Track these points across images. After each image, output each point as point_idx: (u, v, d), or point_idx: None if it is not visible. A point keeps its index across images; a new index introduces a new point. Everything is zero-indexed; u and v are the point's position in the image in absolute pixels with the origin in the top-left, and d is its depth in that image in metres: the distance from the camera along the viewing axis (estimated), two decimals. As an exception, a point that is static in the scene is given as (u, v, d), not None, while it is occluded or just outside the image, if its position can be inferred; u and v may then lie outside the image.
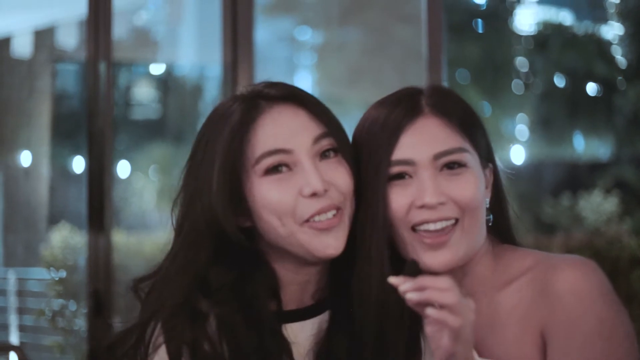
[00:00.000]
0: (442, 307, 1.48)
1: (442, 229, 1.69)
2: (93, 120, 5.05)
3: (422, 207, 1.69)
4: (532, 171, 8.72)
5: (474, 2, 9.78)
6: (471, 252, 1.72)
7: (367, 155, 1.72)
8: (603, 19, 9.28)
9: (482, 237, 1.74)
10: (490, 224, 1.78)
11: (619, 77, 9.11)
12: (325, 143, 1.69)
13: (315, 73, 9.70)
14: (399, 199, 1.70)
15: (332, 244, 1.67)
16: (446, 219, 1.70)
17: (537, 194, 8.35)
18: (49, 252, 7.62)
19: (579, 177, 8.86)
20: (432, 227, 1.70)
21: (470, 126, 1.73)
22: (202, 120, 1.80)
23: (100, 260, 4.90)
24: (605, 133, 9.27)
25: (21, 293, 8.00)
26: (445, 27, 4.72)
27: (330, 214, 1.67)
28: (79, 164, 8.31)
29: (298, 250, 1.68)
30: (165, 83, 8.70)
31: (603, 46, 9.19)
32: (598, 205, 7.71)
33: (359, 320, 1.70)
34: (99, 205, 4.99)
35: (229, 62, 4.77)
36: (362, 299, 1.70)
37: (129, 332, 1.69)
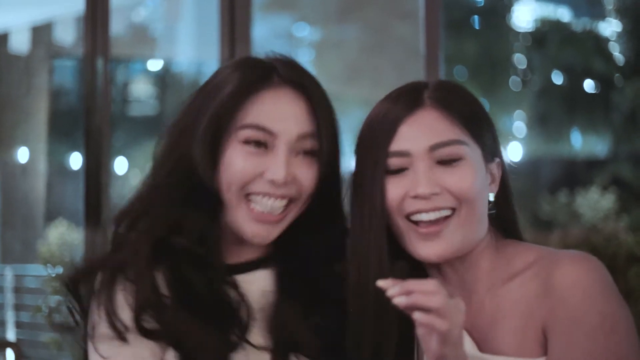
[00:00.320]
0: (428, 310, 1.48)
1: (436, 220, 1.70)
2: (90, 116, 5.05)
3: (416, 197, 1.69)
4: (529, 168, 8.72)
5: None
6: (468, 244, 1.71)
7: (368, 147, 1.73)
8: (601, 15, 9.28)
9: (482, 231, 1.73)
10: (495, 219, 1.77)
11: (617, 74, 9.11)
12: (308, 144, 1.72)
13: (313, 70, 9.67)
14: (395, 189, 1.70)
15: (262, 234, 1.71)
16: (440, 209, 1.70)
17: (534, 190, 8.35)
18: (46, 248, 7.62)
19: (576, 174, 8.86)
20: (425, 217, 1.70)
21: (472, 120, 1.73)
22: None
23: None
24: (602, 130, 9.27)
25: (18, 289, 8.00)
26: (443, 24, 4.72)
27: (278, 204, 1.70)
28: (76, 161, 8.31)
29: (234, 225, 1.72)
30: (163, 79, 8.69)
31: (601, 43, 9.18)
32: (595, 202, 7.71)
33: (355, 308, 1.72)
34: (96, 202, 4.99)
35: (227, 59, 4.76)
36: (359, 290, 1.71)
37: (93, 270, 1.73)
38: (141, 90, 8.83)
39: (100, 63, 5.04)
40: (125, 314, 1.67)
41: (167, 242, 1.71)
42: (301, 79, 1.74)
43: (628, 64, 9.11)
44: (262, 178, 1.70)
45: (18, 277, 8.05)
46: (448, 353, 1.50)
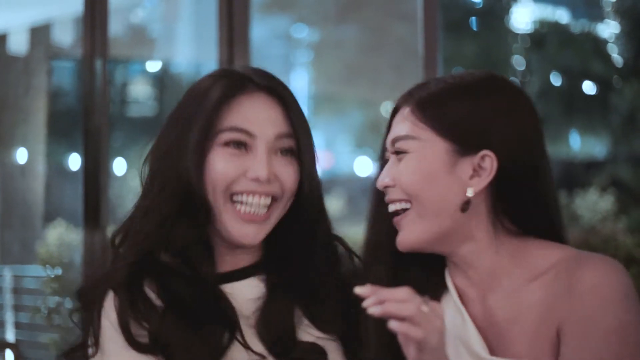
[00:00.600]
0: (402, 319, 1.48)
1: (396, 211, 1.75)
2: (89, 117, 5.05)
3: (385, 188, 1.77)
4: (528, 169, 8.71)
5: (470, 0, 9.79)
6: (433, 236, 1.72)
7: None
8: (599, 17, 9.29)
9: (442, 226, 1.72)
10: (509, 214, 1.74)
11: (615, 76, 9.12)
12: (287, 143, 1.79)
13: (311, 71, 9.70)
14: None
15: (250, 234, 1.77)
16: (394, 202, 1.75)
17: (533, 192, 8.34)
18: (44, 249, 7.62)
19: (574, 175, 8.86)
20: (391, 207, 1.76)
21: (432, 111, 1.74)
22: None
23: (96, 258, 4.89)
24: (601, 131, 9.27)
25: (17, 290, 8.00)
26: (442, 25, 4.72)
27: (263, 203, 1.76)
28: (74, 161, 8.30)
29: (220, 229, 1.77)
30: (162, 80, 8.69)
31: (599, 45, 9.19)
32: (594, 204, 7.72)
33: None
34: (94, 203, 4.99)
35: (225, 60, 4.76)
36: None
37: (98, 282, 1.78)
38: (140, 91, 8.83)
39: (98, 64, 5.04)
40: (110, 327, 1.73)
41: (155, 256, 1.76)
42: (274, 85, 1.82)
43: (626, 65, 9.12)
44: (245, 177, 1.76)
45: (17, 278, 8.05)
46: (427, 359, 1.50)
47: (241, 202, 1.77)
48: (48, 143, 8.72)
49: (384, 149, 1.80)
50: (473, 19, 9.62)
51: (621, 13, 9.12)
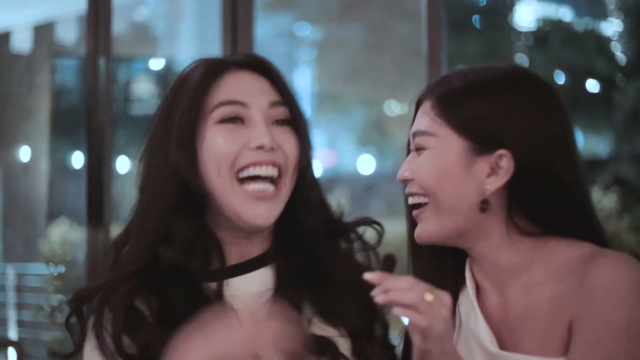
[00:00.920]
0: (406, 307, 1.48)
1: (414, 205, 1.75)
2: (92, 115, 5.05)
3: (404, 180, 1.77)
4: (531, 168, 8.71)
5: (473, -1, 9.79)
6: (447, 233, 1.72)
7: None
8: (603, 15, 9.28)
9: (458, 223, 1.72)
10: (532, 213, 1.72)
11: (619, 74, 9.11)
12: (281, 111, 1.73)
13: (314, 69, 9.69)
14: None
15: (262, 214, 1.69)
16: (413, 195, 1.75)
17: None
18: (47, 247, 7.63)
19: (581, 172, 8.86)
20: (410, 200, 1.76)
21: (450, 108, 1.74)
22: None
23: (99, 256, 4.89)
24: (604, 130, 9.27)
25: (20, 288, 8.01)
26: (445, 23, 4.72)
27: (272, 171, 1.70)
28: (78, 160, 8.31)
29: (230, 213, 1.70)
30: (165, 78, 8.69)
31: (603, 43, 9.18)
32: (597, 202, 7.71)
33: None
34: (98, 201, 5.00)
35: (229, 58, 4.76)
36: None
37: (94, 290, 1.72)
38: (143, 89, 8.84)
39: (102, 62, 5.04)
40: (98, 345, 1.67)
41: (155, 261, 1.70)
42: (257, 61, 1.78)
43: (630, 63, 9.11)
44: (247, 149, 1.69)
45: (20, 276, 8.06)
46: (432, 348, 1.51)
47: (249, 180, 1.69)
48: (51, 141, 8.73)
49: (409, 141, 1.79)
50: (476, 17, 9.62)
51: (624, 11, 9.12)
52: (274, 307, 1.71)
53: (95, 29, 5.06)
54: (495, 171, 1.70)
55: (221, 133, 1.70)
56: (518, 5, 9.46)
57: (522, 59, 9.14)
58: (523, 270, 1.72)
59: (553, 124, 1.72)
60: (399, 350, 1.78)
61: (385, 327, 1.79)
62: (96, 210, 4.98)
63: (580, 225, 1.73)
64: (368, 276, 1.51)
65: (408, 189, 1.75)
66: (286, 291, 1.72)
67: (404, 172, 1.75)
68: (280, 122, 1.74)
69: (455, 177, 1.71)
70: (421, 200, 1.73)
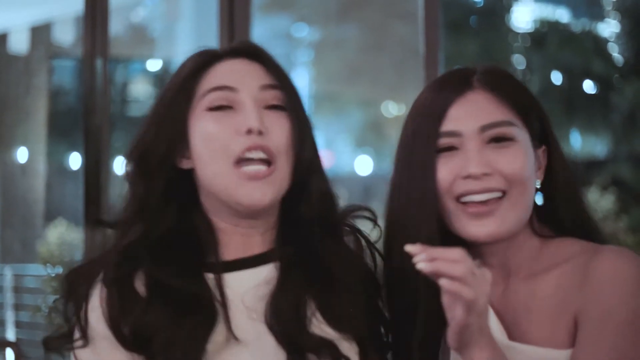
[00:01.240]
0: (454, 278, 1.46)
1: (487, 201, 1.68)
2: (90, 116, 5.05)
3: (467, 177, 1.68)
4: (528, 168, 8.71)
5: (471, 0, 9.79)
6: (517, 227, 1.70)
7: (416, 131, 1.73)
8: (600, 16, 9.28)
9: (528, 215, 1.72)
10: (540, 209, 1.75)
11: (616, 75, 9.11)
12: (273, 95, 1.71)
13: (312, 70, 9.70)
14: (445, 169, 1.69)
15: (258, 193, 1.67)
16: (491, 191, 1.68)
17: (533, 191, 8.34)
18: (45, 248, 7.62)
19: (575, 174, 8.86)
20: (476, 198, 1.68)
21: (522, 103, 1.73)
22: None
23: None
24: (602, 130, 9.27)
25: (17, 289, 8.00)
26: (443, 24, 4.72)
27: (262, 155, 1.67)
28: (75, 161, 8.31)
29: (226, 197, 1.68)
30: (162, 79, 8.69)
31: (600, 44, 9.18)
32: (595, 203, 7.70)
33: (400, 295, 1.70)
34: (95, 202, 5.00)
35: (226, 59, 4.76)
36: (406, 275, 1.67)
37: (85, 270, 1.71)
38: (140, 90, 8.83)
39: (99, 63, 5.04)
40: (98, 324, 1.65)
41: (146, 244, 1.68)
42: (250, 49, 1.76)
43: (627, 64, 9.11)
44: (238, 134, 1.67)
45: (17, 277, 8.05)
46: (472, 322, 1.49)
47: (244, 162, 1.67)
48: (49, 142, 8.73)
49: (435, 137, 1.70)
50: (474, 18, 9.62)
51: (622, 12, 9.12)
52: (276, 302, 1.68)
53: (93, 29, 5.06)
54: (539, 165, 1.74)
55: (212, 120, 1.69)
56: (515, 6, 9.46)
57: (519, 60, 9.14)
58: (524, 262, 1.73)
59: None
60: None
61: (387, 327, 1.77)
62: (94, 211, 4.98)
63: (578, 225, 1.76)
64: (409, 248, 1.48)
65: (484, 184, 1.68)
66: (287, 288, 1.69)
67: (482, 168, 1.67)
68: (273, 107, 1.71)
69: (533, 169, 1.73)
70: (495, 195, 1.69)
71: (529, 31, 9.31)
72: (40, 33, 8.64)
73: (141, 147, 1.72)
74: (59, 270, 7.26)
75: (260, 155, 1.68)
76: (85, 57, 5.07)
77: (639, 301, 1.62)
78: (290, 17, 9.18)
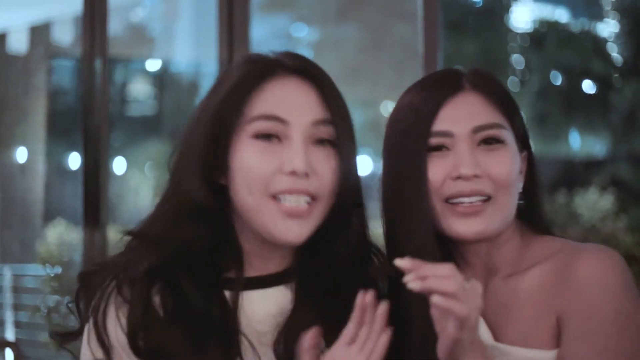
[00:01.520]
0: (445, 295, 1.45)
1: (473, 203, 1.69)
2: (89, 116, 5.05)
3: (458, 178, 1.68)
4: (528, 168, 8.70)
5: (470, 0, 9.79)
6: (504, 227, 1.71)
7: (406, 131, 1.71)
8: (599, 16, 9.28)
9: (512, 216, 1.73)
10: (522, 210, 1.76)
11: (615, 75, 9.11)
12: (325, 131, 1.61)
13: (311, 70, 9.67)
14: (436, 169, 1.69)
15: (295, 231, 1.60)
16: (479, 194, 1.68)
17: (532, 191, 8.34)
18: (44, 248, 7.62)
19: (574, 174, 8.86)
20: (466, 200, 1.68)
21: (509, 107, 1.74)
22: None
23: (96, 257, 4.89)
24: (601, 130, 9.27)
25: (17, 289, 8.00)
26: (442, 24, 4.72)
27: (302, 200, 1.60)
28: (74, 161, 8.30)
29: (260, 228, 1.61)
30: (161, 79, 8.69)
31: (599, 44, 9.18)
32: (594, 203, 7.70)
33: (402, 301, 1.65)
34: (94, 202, 4.99)
35: (225, 59, 4.77)
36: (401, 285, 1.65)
37: (107, 268, 1.65)
38: (139, 90, 8.82)
39: (98, 63, 5.04)
40: (116, 332, 1.60)
41: (169, 260, 1.61)
42: (308, 68, 1.64)
43: (626, 64, 9.11)
44: (280, 173, 1.58)
45: (16, 277, 8.05)
46: (464, 337, 1.49)
47: (284, 199, 1.58)
48: (48, 142, 8.72)
49: (427, 137, 1.69)
50: (473, 18, 9.62)
51: (621, 12, 9.12)
52: (288, 330, 1.62)
53: (92, 29, 5.06)
54: (520, 169, 1.75)
55: (255, 150, 1.59)
56: (514, 6, 9.46)
57: (518, 60, 9.14)
58: (504, 262, 1.74)
59: None
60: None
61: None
62: (93, 211, 4.98)
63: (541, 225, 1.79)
64: (399, 262, 1.46)
65: (474, 187, 1.68)
66: (301, 316, 1.63)
67: (473, 169, 1.67)
68: (322, 141, 1.62)
69: (518, 172, 1.74)
70: (482, 197, 1.69)
71: (528, 31, 9.31)
72: (40, 33, 8.63)
73: (181, 164, 1.64)
74: (58, 270, 7.26)
75: (304, 200, 1.60)
76: (84, 57, 5.07)
77: (621, 300, 1.62)
78: (289, 17, 9.17)
